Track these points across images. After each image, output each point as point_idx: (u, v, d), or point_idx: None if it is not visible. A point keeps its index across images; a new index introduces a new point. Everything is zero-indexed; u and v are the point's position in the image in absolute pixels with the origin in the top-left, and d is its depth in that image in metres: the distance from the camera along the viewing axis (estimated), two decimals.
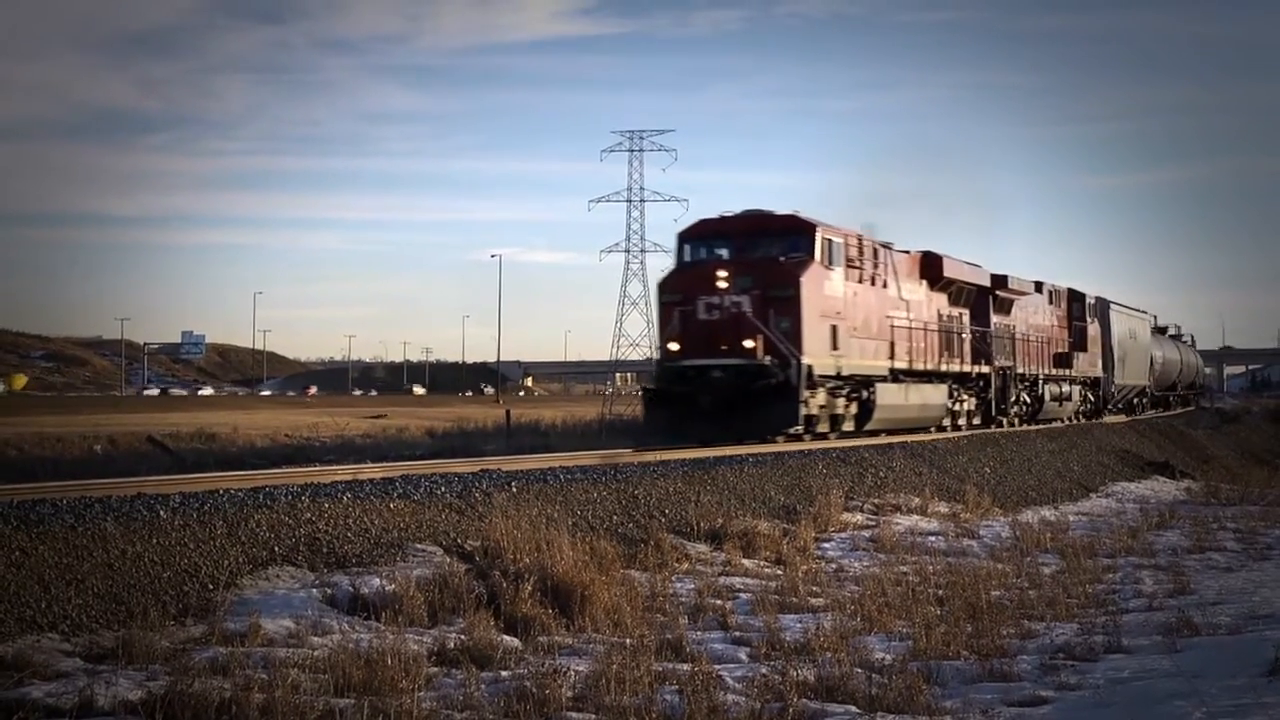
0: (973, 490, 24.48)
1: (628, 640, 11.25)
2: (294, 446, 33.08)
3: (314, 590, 11.77)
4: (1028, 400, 41.26)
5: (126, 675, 9.12)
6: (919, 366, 31.58)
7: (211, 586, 11.39)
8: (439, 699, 9.27)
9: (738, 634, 12.28)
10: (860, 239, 28.78)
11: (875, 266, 29.49)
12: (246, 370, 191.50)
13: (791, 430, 25.85)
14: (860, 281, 28.49)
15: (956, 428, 34.95)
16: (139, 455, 28.41)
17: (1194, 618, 13.23)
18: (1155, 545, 20.27)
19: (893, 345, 30.02)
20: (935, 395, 32.74)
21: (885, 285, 29.97)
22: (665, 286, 27.23)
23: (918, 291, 32.43)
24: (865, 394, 28.66)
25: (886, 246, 30.77)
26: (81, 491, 13.62)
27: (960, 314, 35.47)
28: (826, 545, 17.97)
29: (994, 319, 37.83)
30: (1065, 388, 44.88)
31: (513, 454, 26.04)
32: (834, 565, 16.64)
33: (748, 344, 25.35)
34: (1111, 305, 52.16)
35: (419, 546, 13.43)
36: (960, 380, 35.21)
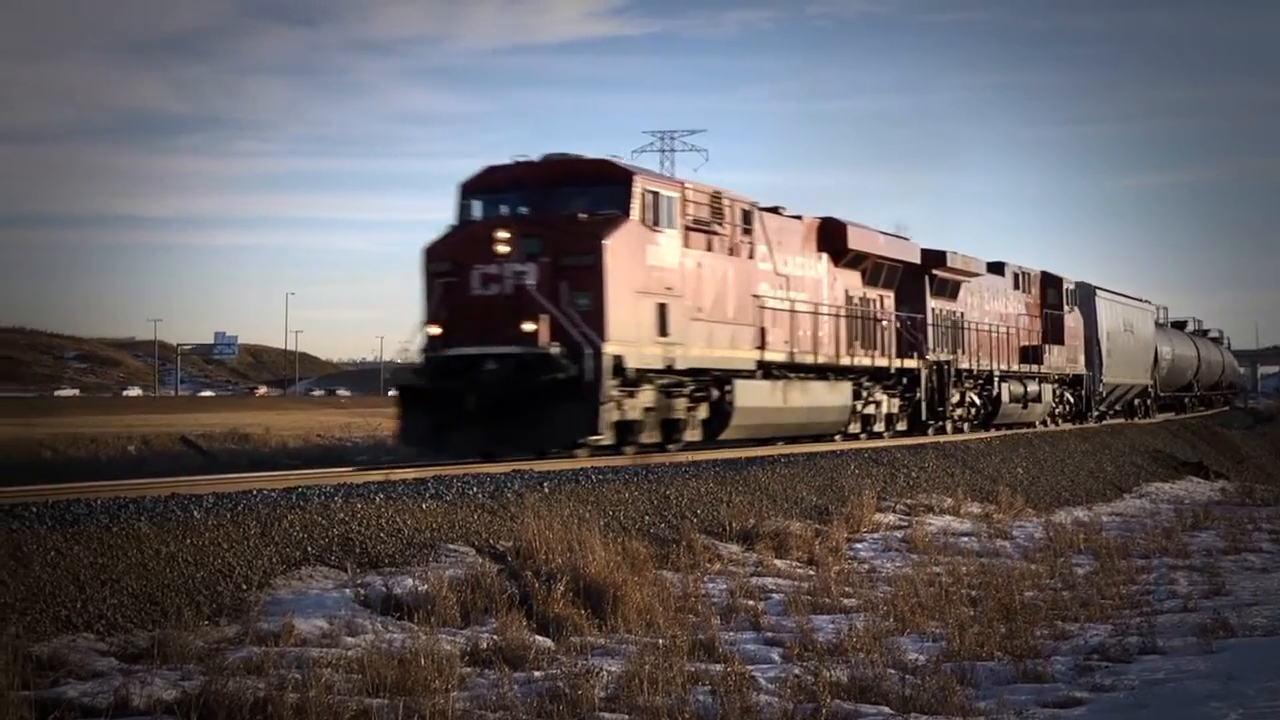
0: (1005, 491, 24.40)
1: (660, 640, 11.25)
2: (326, 447, 33.20)
3: (347, 590, 11.81)
4: (977, 401, 35.30)
5: (161, 675, 9.17)
6: (807, 359, 25.81)
7: (245, 586, 11.43)
8: (472, 699, 9.29)
9: (770, 634, 12.28)
10: (718, 195, 23.20)
11: (743, 233, 23.90)
12: (279, 371, 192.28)
13: (592, 440, 19.97)
14: (711, 250, 22.77)
15: (874, 435, 29.38)
16: (173, 456, 28.56)
17: (1229, 619, 13.18)
18: (1190, 546, 20.17)
19: (763, 332, 24.27)
20: (831, 395, 26.87)
21: (752, 256, 24.18)
22: (432, 253, 20.94)
23: (813, 267, 26.87)
24: (720, 393, 23.03)
25: (772, 210, 25.75)
26: (115, 492, 13.69)
27: (880, 297, 29.82)
28: (859, 546, 17.94)
29: (931, 304, 32.39)
30: (1033, 386, 38.91)
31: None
32: (866, 566, 16.61)
33: (528, 327, 19.51)
34: (1098, 292, 46.55)
35: (451, 547, 13.46)
36: (876, 377, 29.33)
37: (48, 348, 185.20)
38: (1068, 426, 40.37)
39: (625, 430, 20.75)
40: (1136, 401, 52.86)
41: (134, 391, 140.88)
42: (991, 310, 36.70)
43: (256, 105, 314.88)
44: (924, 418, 31.36)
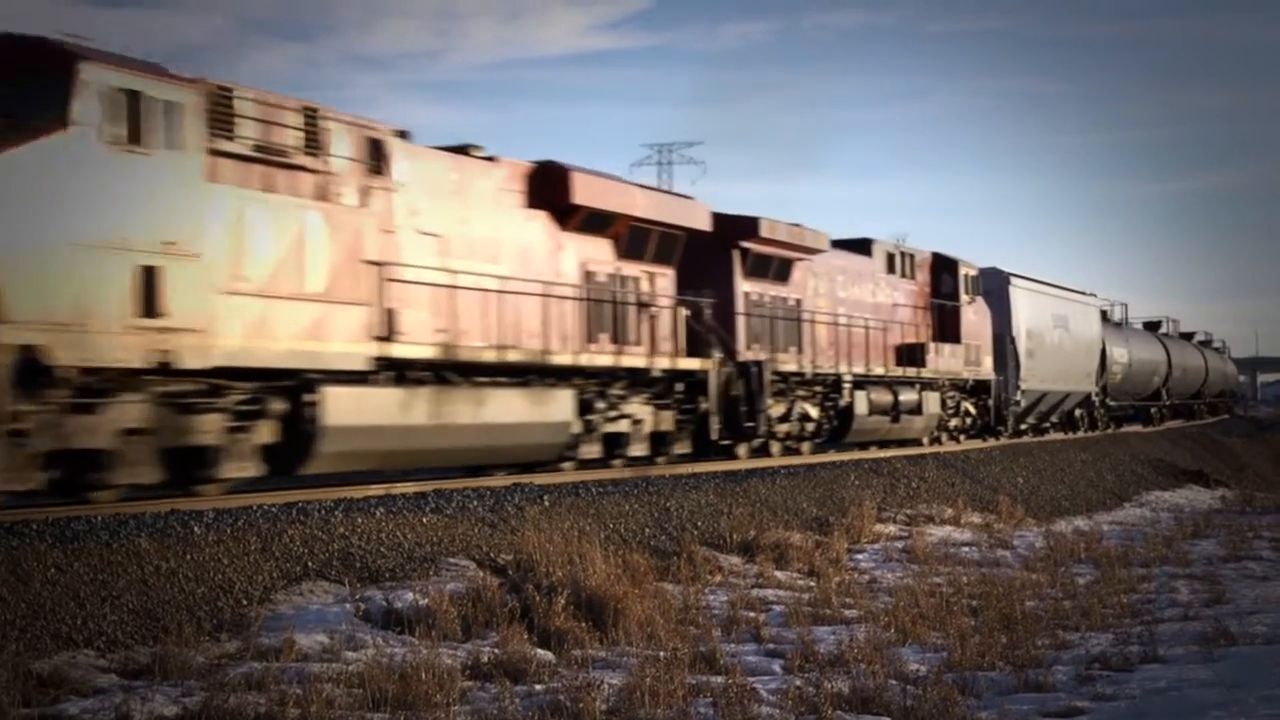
0: (1006, 500, 24.42)
1: (661, 653, 11.25)
2: None
3: (348, 605, 11.81)
4: (813, 414, 26.90)
5: (162, 691, 9.17)
6: (487, 356, 18.33)
7: (245, 602, 11.44)
8: (473, 713, 9.30)
9: (771, 646, 12.28)
10: (311, 112, 15.92)
11: (369, 173, 16.67)
12: None
13: None
14: (276, 189, 15.43)
15: (636, 461, 21.33)
16: None
17: (1230, 627, 13.19)
18: (1190, 554, 20.18)
19: (392, 315, 16.81)
20: (535, 408, 18.94)
21: (367, 204, 16.63)
22: None
23: (516, 228, 19.35)
24: (295, 406, 15.54)
25: (457, 150, 18.84)
26: (116, 508, 13.69)
27: (649, 274, 22.19)
28: (859, 556, 17.94)
29: (745, 287, 25.00)
30: (909, 395, 30.39)
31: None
32: (867, 576, 16.62)
33: None
34: (1014, 280, 38.44)
35: (452, 561, 13.46)
36: (632, 381, 21.43)
37: None
38: (974, 444, 33.08)
39: (79, 465, 13.52)
40: (1078, 413, 44.79)
41: None
42: (850, 299, 29.00)
43: None
44: (714, 436, 23.14)
